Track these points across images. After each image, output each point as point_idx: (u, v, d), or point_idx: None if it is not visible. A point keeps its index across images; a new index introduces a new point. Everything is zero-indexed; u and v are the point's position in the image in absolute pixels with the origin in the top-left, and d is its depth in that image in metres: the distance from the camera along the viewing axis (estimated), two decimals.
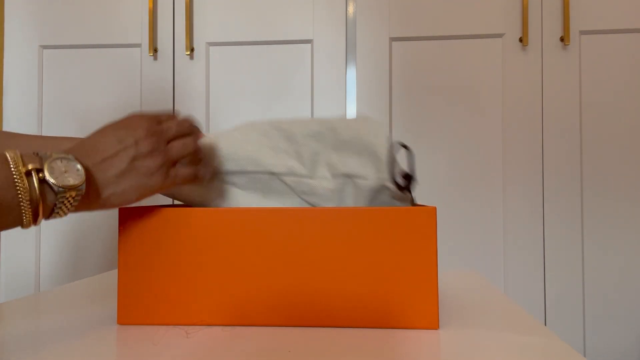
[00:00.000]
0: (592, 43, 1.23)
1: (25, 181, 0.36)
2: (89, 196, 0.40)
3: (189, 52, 1.28)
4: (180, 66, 1.32)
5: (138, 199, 0.44)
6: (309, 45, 1.30)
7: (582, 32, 1.23)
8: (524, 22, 1.21)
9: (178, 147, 0.47)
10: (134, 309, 0.47)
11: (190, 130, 0.49)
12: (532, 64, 1.24)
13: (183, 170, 0.47)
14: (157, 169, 0.44)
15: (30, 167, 0.36)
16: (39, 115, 1.35)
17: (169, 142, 0.46)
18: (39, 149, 0.54)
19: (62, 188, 0.37)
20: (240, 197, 0.52)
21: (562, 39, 1.22)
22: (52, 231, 1.35)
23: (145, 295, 0.47)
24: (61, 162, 0.38)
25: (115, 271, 0.80)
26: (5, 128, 1.35)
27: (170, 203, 1.27)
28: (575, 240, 1.22)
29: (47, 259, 1.35)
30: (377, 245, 0.45)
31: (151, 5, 1.30)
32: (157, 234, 0.47)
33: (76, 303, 0.58)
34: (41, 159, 0.37)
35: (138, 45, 1.33)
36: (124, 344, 0.41)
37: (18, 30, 1.35)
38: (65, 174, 0.38)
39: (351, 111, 1.28)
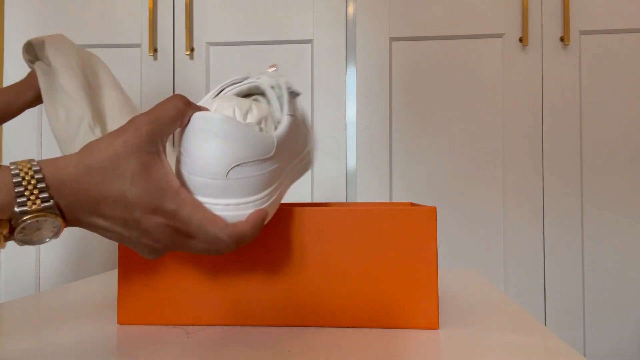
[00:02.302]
0: (592, 43, 1.23)
1: None
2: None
3: (189, 52, 1.28)
4: (180, 66, 1.32)
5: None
6: (309, 45, 1.30)
7: (582, 32, 1.23)
8: (524, 22, 1.21)
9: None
10: (134, 309, 0.47)
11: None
12: (532, 64, 1.24)
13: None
14: (150, 253, 0.36)
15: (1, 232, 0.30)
16: (39, 115, 1.35)
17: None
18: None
19: (27, 243, 0.32)
20: None
21: (562, 39, 1.22)
22: None
23: (145, 295, 0.47)
24: (38, 222, 0.31)
25: (115, 271, 0.80)
26: (5, 128, 1.35)
27: None
28: (575, 240, 1.22)
29: (47, 258, 1.35)
30: (377, 245, 0.45)
31: (151, 5, 1.30)
32: None
33: (76, 303, 0.58)
34: (17, 216, 0.30)
35: (138, 45, 1.33)
36: (124, 344, 0.41)
37: (18, 30, 1.35)
38: (38, 231, 0.32)
39: (351, 111, 1.28)
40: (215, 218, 0.34)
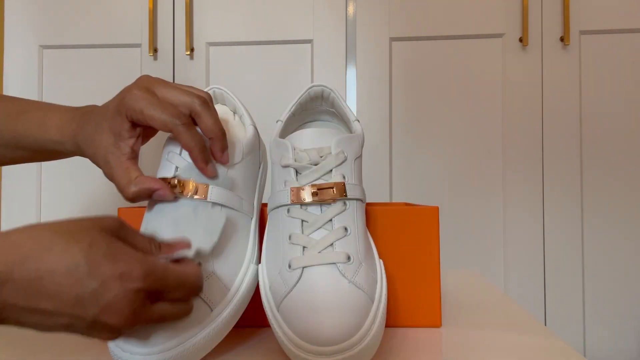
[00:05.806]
0: (592, 43, 1.23)
1: None
2: None
3: (189, 52, 1.28)
4: (180, 66, 1.32)
5: None
6: (309, 45, 1.30)
7: (582, 32, 1.23)
8: (524, 22, 1.21)
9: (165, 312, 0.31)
10: None
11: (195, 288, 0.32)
12: (532, 64, 1.24)
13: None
14: (110, 332, 0.29)
15: None
16: None
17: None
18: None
19: None
20: None
21: (562, 39, 1.22)
22: None
23: None
24: None
25: None
26: None
27: None
28: (575, 240, 1.22)
29: None
30: (379, 245, 0.45)
31: (151, 5, 1.30)
32: None
33: None
34: None
35: (138, 45, 1.33)
36: None
37: (18, 30, 1.35)
38: None
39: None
40: (186, 268, 0.32)
